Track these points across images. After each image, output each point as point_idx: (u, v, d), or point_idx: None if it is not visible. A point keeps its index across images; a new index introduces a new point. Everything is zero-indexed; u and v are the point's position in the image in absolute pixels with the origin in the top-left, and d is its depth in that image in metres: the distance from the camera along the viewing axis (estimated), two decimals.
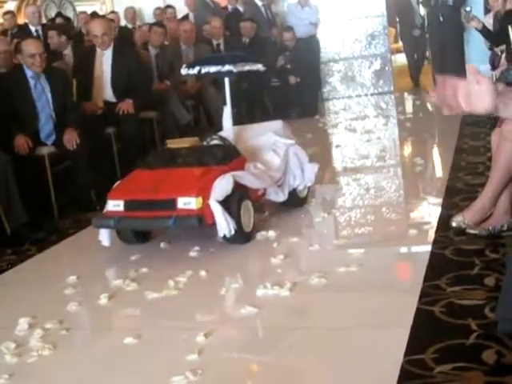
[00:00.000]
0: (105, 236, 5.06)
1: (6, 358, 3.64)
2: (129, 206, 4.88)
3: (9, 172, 5.61)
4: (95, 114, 7.17)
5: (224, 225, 4.71)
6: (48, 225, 5.80)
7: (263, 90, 11.11)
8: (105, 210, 5.05)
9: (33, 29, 8.63)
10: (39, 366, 3.54)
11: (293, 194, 5.69)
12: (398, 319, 3.64)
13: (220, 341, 3.65)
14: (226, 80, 5.66)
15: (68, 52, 8.55)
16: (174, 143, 5.67)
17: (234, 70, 5.51)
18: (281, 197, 5.46)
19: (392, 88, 12.64)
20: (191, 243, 4.95)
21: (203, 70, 5.59)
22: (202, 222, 4.71)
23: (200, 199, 4.72)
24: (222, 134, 5.62)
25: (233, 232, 4.77)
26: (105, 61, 7.40)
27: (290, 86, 10.93)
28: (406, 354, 3.22)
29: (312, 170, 5.75)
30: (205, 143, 5.53)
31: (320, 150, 8.05)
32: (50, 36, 8.43)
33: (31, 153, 6.13)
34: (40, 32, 8.66)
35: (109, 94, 7.21)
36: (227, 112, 5.69)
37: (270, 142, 5.69)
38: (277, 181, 5.43)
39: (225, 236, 4.80)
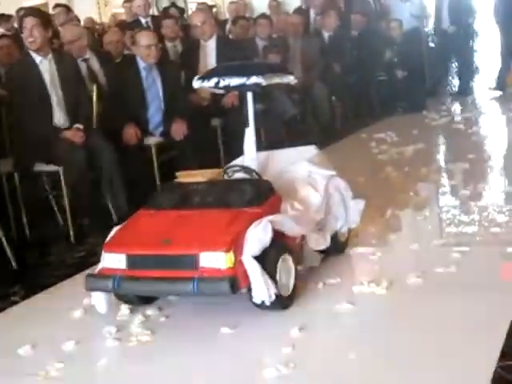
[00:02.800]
0: (100, 300, 3.92)
1: (107, 341, 3.71)
2: (133, 262, 3.75)
3: (112, 162, 5.65)
4: (201, 106, 7.05)
5: (263, 289, 3.62)
6: None
7: (370, 83, 10.52)
8: (100, 267, 3.91)
9: (143, 21, 8.83)
10: (138, 351, 3.62)
11: (334, 238, 4.47)
12: (494, 323, 3.46)
13: (314, 335, 3.60)
14: (249, 95, 4.36)
15: (177, 43, 8.21)
16: (186, 176, 4.33)
17: (263, 83, 4.21)
18: (321, 243, 4.28)
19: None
20: None
21: (222, 83, 4.25)
22: (235, 286, 3.56)
23: (231, 255, 3.61)
24: (246, 162, 4.38)
25: (273, 298, 3.67)
26: (209, 52, 7.32)
27: (396, 80, 10.32)
28: (501, 359, 3.10)
29: (357, 208, 4.59)
30: (226, 176, 4.33)
31: (425, 147, 7.66)
32: (165, 25, 8.08)
33: (139, 143, 6.12)
34: (150, 23, 8.87)
35: None
36: (250, 135, 4.43)
37: (305, 173, 4.47)
38: (317, 223, 4.29)
39: (262, 302, 3.72)
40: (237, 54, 6.81)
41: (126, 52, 7.49)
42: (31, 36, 5.54)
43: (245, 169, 4.26)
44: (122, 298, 4.03)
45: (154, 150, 6.25)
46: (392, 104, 10.42)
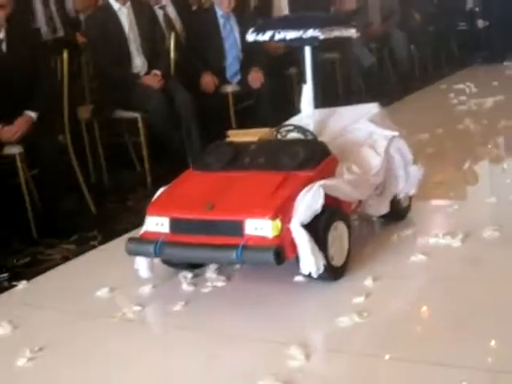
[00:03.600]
0: (143, 265, 3.67)
1: (183, 286, 3.66)
2: (176, 226, 3.47)
3: (191, 110, 5.60)
4: (278, 55, 6.92)
5: (311, 260, 3.31)
6: None
7: (450, 33, 10.23)
8: (143, 230, 3.62)
9: None
10: (212, 296, 3.57)
11: (394, 203, 4.12)
12: None
13: (388, 285, 3.49)
14: (307, 50, 4.01)
15: None
16: (237, 135, 4.00)
17: (321, 37, 3.86)
18: (382, 209, 4.00)
19: None
20: None
21: (277, 36, 3.93)
22: (280, 256, 3.25)
23: (278, 222, 3.29)
24: (302, 121, 4.05)
25: (321, 270, 3.36)
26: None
27: (477, 30, 10.02)
28: None
29: (416, 174, 4.20)
30: (279, 136, 3.94)
31: (504, 99, 7.40)
32: None
33: (216, 90, 6.16)
34: None
35: None
36: (308, 92, 4.09)
37: (365, 133, 4.09)
38: (376, 187, 3.93)
39: (309, 274, 3.41)
40: (310, 1, 6.74)
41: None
42: None
43: (298, 128, 3.87)
44: (168, 262, 3.80)
45: (230, 98, 6.26)
46: (472, 54, 10.09)
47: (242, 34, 6.15)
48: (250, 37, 4.08)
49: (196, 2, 7.14)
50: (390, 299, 3.39)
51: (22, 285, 3.89)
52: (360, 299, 3.31)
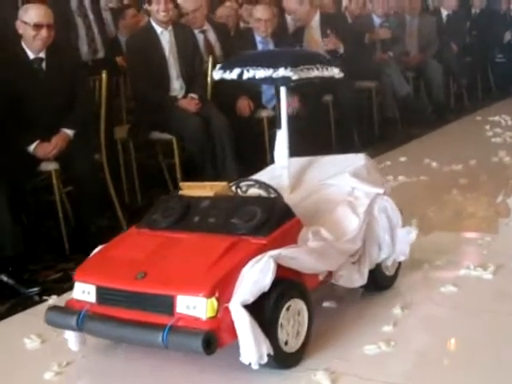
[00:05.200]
0: (71, 336, 3.01)
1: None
2: (103, 296, 2.85)
3: (226, 134, 5.48)
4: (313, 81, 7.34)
5: (251, 348, 2.64)
6: None
7: (487, 65, 9.85)
8: (72, 296, 3.00)
9: None
10: None
11: (375, 272, 3.40)
12: None
13: (416, 315, 3.31)
14: (282, 90, 3.43)
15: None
16: (191, 188, 3.31)
17: (293, 77, 3.26)
18: (357, 280, 3.24)
19: None
20: None
21: (246, 75, 3.36)
22: (211, 345, 2.59)
23: (213, 301, 2.64)
24: (274, 172, 3.47)
25: (264, 360, 2.67)
26: (314, 29, 7.22)
27: None
28: None
29: (406, 237, 3.50)
30: (239, 191, 3.27)
31: None
32: None
33: (251, 115, 6.03)
34: None
35: None
36: (282, 139, 3.48)
37: (346, 189, 3.42)
38: (352, 255, 3.20)
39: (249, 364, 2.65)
40: (343, 32, 6.75)
41: (242, 25, 7.55)
42: (165, 10, 5.47)
43: (260, 184, 3.20)
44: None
45: (265, 123, 6.08)
46: (508, 87, 9.68)
47: None
48: (216, 74, 3.52)
49: (234, 27, 7.19)
50: (418, 329, 3.22)
51: (53, 299, 3.72)
52: (388, 328, 3.14)
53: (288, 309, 2.81)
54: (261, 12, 6.17)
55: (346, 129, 6.77)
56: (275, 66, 3.26)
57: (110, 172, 5.07)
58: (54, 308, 2.98)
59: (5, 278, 3.18)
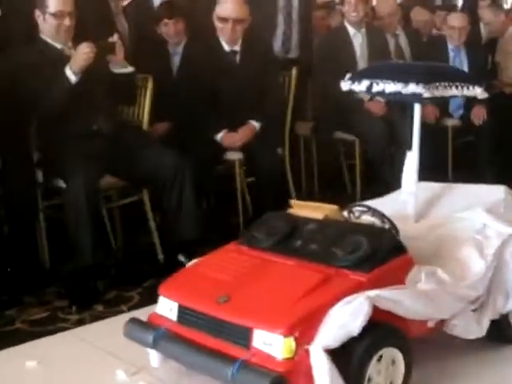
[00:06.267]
0: (153, 354, 2.70)
1: None
2: (184, 316, 2.60)
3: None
4: (506, 92, 6.51)
5: None
6: None
7: None
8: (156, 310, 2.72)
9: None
10: None
11: (500, 323, 2.87)
12: None
13: None
14: (417, 108, 3.08)
15: None
16: (301, 208, 2.95)
17: (425, 95, 2.91)
18: (474, 330, 2.74)
19: None
20: None
21: (375, 88, 3.06)
22: None
23: (291, 341, 2.30)
24: (398, 198, 3.12)
25: None
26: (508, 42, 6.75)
27: None
28: None
29: None
30: (351, 216, 2.88)
31: None
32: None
33: (437, 123, 5.84)
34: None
35: None
36: (412, 161, 3.14)
37: (476, 226, 2.92)
38: (472, 301, 2.73)
39: None
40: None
41: (434, 32, 7.38)
42: (355, 10, 5.50)
43: (372, 211, 2.80)
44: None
45: (450, 132, 5.90)
46: None
47: (471, 69, 6.05)
48: (345, 85, 3.26)
49: (427, 33, 7.05)
50: None
51: None
52: None
53: (380, 359, 2.41)
54: (455, 20, 5.99)
55: None
56: (406, 81, 2.92)
57: (290, 167, 5.11)
58: (133, 321, 2.72)
59: (182, 259, 3.27)
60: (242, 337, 2.37)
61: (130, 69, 4.17)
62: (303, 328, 2.31)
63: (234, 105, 4.66)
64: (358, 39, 5.48)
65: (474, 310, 2.75)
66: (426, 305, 2.51)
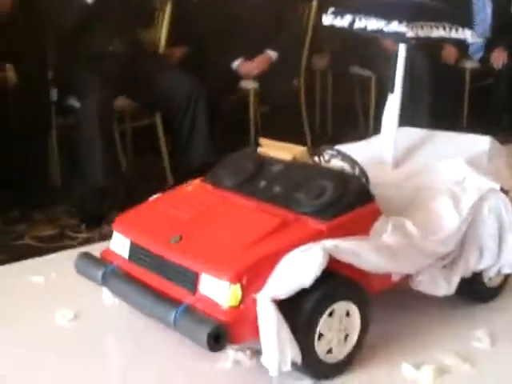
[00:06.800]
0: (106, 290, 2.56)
1: None
2: (135, 254, 2.45)
3: (427, 76, 5.27)
4: None
5: (274, 355, 2.11)
6: None
7: None
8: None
9: None
10: None
11: (473, 281, 2.72)
12: None
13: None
14: (402, 48, 2.85)
15: None
16: (270, 147, 2.72)
17: (407, 34, 2.66)
18: (442, 288, 2.57)
19: None
20: None
21: (357, 24, 2.80)
22: (220, 341, 2.09)
23: (237, 288, 2.14)
24: (376, 143, 2.94)
25: (288, 367, 2.14)
26: None
27: None
28: None
29: None
30: (322, 159, 2.66)
31: None
32: None
33: (455, 64, 5.74)
34: None
35: None
36: (393, 105, 2.91)
37: (456, 177, 2.72)
38: (442, 257, 2.56)
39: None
40: None
41: None
42: None
43: (344, 157, 2.58)
44: None
45: (468, 74, 5.78)
46: None
47: (494, 12, 5.95)
48: (327, 19, 2.95)
49: None
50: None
51: None
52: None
53: (335, 313, 2.26)
54: None
55: None
56: (388, 18, 2.67)
57: (305, 100, 5.04)
58: (84, 255, 2.59)
59: None
60: (189, 280, 2.23)
61: None
62: (252, 275, 2.14)
63: (250, 34, 4.64)
64: None
65: (444, 267, 2.59)
66: (387, 258, 2.33)
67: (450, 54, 5.65)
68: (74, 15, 3.86)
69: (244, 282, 2.13)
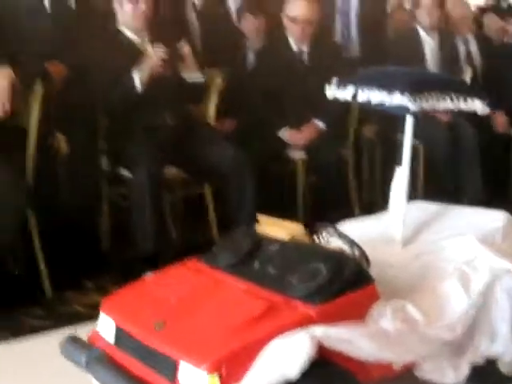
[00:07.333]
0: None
1: None
2: (120, 339, 2.30)
3: (473, 147, 5.29)
4: None
5: None
6: None
7: None
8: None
9: None
10: None
11: (488, 368, 2.46)
12: None
13: None
14: (409, 119, 2.73)
15: None
16: (268, 225, 2.57)
17: (412, 108, 2.54)
18: (450, 376, 2.35)
19: None
20: None
21: (361, 96, 2.67)
22: None
23: (215, 378, 1.98)
24: (383, 220, 2.76)
25: None
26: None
27: None
28: None
29: None
30: (321, 239, 2.52)
31: None
32: None
33: (506, 132, 5.63)
34: None
35: None
36: (401, 179, 2.75)
37: (466, 255, 2.54)
38: (449, 343, 2.36)
39: None
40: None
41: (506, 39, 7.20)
42: (429, 14, 5.43)
43: (342, 236, 2.44)
44: None
45: None
46: None
47: None
48: (329, 92, 2.84)
49: (499, 40, 6.90)
50: None
51: None
52: None
53: None
54: None
55: None
56: (390, 90, 2.53)
57: (353, 170, 5.06)
58: (70, 339, 2.44)
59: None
60: (169, 368, 2.08)
61: (201, 78, 4.25)
62: (232, 365, 1.98)
63: (299, 103, 4.70)
64: (429, 43, 5.40)
65: (454, 354, 2.40)
66: (384, 345, 2.14)
67: (501, 122, 5.59)
68: (123, 98, 3.98)
69: (223, 371, 1.97)
